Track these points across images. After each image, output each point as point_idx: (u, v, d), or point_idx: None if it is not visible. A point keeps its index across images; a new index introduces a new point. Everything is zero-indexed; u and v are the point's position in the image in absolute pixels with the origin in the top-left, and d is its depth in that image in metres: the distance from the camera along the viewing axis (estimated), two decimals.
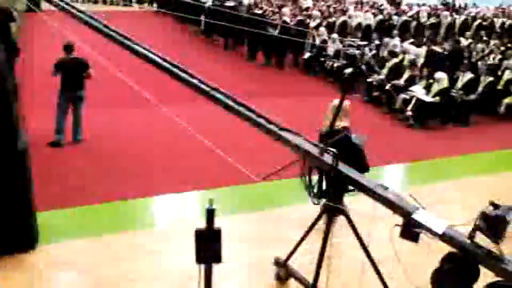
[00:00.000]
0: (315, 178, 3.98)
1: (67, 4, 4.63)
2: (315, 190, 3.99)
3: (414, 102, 9.31)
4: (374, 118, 9.93)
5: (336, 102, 5.43)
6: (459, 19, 16.91)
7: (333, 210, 3.87)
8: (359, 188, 3.67)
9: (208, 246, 2.93)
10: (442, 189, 7.14)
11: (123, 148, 7.58)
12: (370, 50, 10.77)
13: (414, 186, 7.71)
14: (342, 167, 3.73)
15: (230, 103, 4.25)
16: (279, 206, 6.17)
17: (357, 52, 3.79)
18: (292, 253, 4.32)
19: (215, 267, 3.02)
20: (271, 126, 4.10)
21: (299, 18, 13.89)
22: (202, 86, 4.28)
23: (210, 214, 2.92)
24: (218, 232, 2.93)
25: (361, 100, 10.65)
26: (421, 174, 8.11)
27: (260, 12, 14.08)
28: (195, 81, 4.27)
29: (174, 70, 4.28)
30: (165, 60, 4.31)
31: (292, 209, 5.93)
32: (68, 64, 7.38)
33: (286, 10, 14.16)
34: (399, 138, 9.03)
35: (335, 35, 12.50)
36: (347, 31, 13.60)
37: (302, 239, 4.20)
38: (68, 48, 7.34)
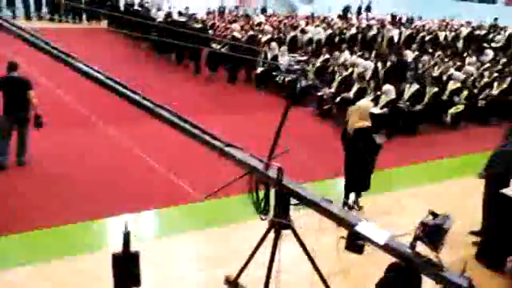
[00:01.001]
0: (262, 193, 3.99)
1: (5, 20, 4.48)
2: (262, 206, 3.98)
3: None
4: (324, 130, 10.06)
5: (365, 103, 6.84)
6: (405, 32, 17.52)
7: (279, 225, 3.86)
8: (304, 202, 3.69)
9: (126, 269, 2.85)
10: (391, 198, 7.31)
11: (68, 170, 7.31)
12: (314, 64, 10.96)
13: (364, 196, 7.88)
14: (287, 182, 3.74)
15: (175, 120, 4.21)
16: (228, 223, 6.13)
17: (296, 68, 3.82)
18: (242, 270, 4.28)
19: None
20: (217, 143, 4.08)
21: (250, 33, 14.01)
22: (146, 103, 4.22)
23: (126, 238, 2.84)
24: (136, 255, 2.86)
25: (312, 113, 10.80)
26: (372, 183, 8.28)
27: (200, 26, 14.08)
28: (138, 97, 4.20)
29: (117, 86, 4.19)
30: (108, 77, 4.22)
31: (241, 225, 5.90)
32: (9, 83, 7.05)
33: (235, 25, 14.24)
34: None
35: (284, 48, 12.66)
36: (298, 46, 13.82)
37: (252, 255, 4.18)
38: (11, 67, 7.06)
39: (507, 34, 18.70)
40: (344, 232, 3.46)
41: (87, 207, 6.21)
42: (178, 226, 5.96)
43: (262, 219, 4.00)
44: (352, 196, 6.89)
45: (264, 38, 13.72)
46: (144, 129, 7.13)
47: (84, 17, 20.86)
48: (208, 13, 18.78)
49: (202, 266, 5.24)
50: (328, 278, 4.12)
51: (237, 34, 13.24)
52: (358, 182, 6.71)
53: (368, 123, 6.47)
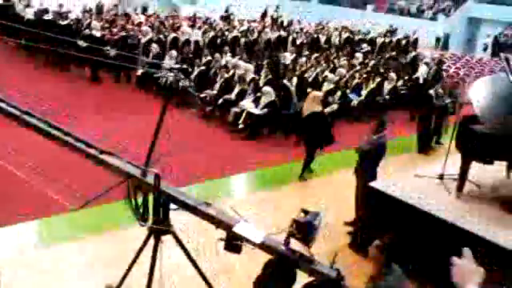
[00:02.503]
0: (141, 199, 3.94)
1: None
2: (141, 212, 3.93)
3: (244, 114, 9.77)
4: (208, 131, 10.16)
5: (315, 93, 8.81)
6: (284, 35, 18.22)
7: (159, 231, 3.85)
8: (182, 206, 3.72)
9: None
10: (277, 195, 7.61)
11: None
12: (199, 66, 11.00)
13: (250, 194, 8.11)
14: (165, 187, 3.74)
15: (45, 128, 4.00)
16: (111, 230, 5.96)
17: (168, 74, 3.82)
18: (124, 278, 4.20)
19: None
20: (91, 150, 3.96)
21: (123, 33, 13.60)
22: (11, 110, 3.96)
23: None
24: None
25: (196, 115, 10.83)
26: (256, 182, 8.54)
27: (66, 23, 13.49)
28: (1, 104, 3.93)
29: None
30: None
31: (125, 232, 5.76)
32: None
33: (95, 23, 13.74)
34: (233, 150, 9.38)
35: (174, 52, 12.53)
36: (179, 47, 13.73)
37: (133, 263, 4.11)
38: None
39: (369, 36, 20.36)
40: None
41: None
42: (59, 235, 5.68)
43: (141, 226, 3.96)
44: None
45: (144, 39, 13.43)
46: (14, 138, 6.61)
47: None
48: (84, 11, 17.90)
49: (85, 275, 5.04)
50: (212, 279, 4.20)
51: (96, 33, 12.82)
52: (310, 155, 8.32)
53: (320, 108, 8.26)
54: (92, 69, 12.68)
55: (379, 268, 5.40)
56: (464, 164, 5.59)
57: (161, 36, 14.08)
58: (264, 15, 25.98)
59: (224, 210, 3.82)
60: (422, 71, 14.79)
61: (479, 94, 5.58)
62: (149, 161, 3.78)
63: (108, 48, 11.97)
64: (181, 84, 3.73)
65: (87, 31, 13.01)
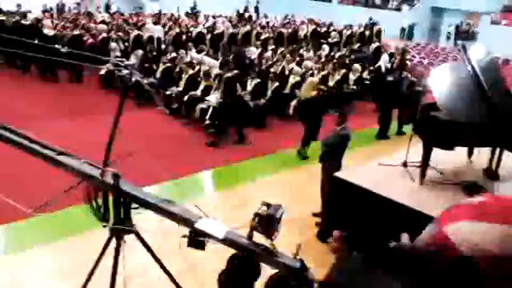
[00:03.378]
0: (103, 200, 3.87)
1: None
2: (102, 213, 3.86)
3: (211, 110, 9.71)
4: (175, 129, 10.08)
5: (311, 79, 9.90)
6: (252, 29, 18.17)
7: (121, 231, 3.79)
8: (144, 205, 3.67)
9: None
10: (247, 191, 7.62)
11: None
12: (164, 63, 10.88)
13: (219, 191, 8.08)
14: (125, 186, 3.68)
15: None
16: (74, 234, 5.84)
17: (125, 72, 3.75)
18: (87, 282, 4.12)
19: None
20: (47, 152, 3.86)
21: (76, 32, 13.29)
22: None
23: None
24: None
25: (163, 112, 10.71)
26: (224, 179, 8.51)
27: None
28: None
29: None
30: None
31: (88, 235, 5.66)
32: None
33: (47, 21, 13.45)
34: (201, 147, 9.32)
35: (140, 51, 12.35)
36: (143, 45, 13.54)
37: (95, 266, 4.03)
38: None
39: (344, 31, 20.46)
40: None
41: None
42: (19, 243, 5.53)
43: (104, 227, 3.90)
44: None
45: (99, 37, 13.13)
46: None
47: None
48: (44, 11, 17.48)
49: (48, 282, 4.94)
50: (178, 278, 4.16)
51: (47, 31, 12.51)
52: (309, 135, 9.00)
53: (315, 93, 9.05)
54: (46, 68, 12.39)
55: (341, 257, 5.45)
56: (426, 151, 5.68)
57: (120, 33, 13.83)
58: (245, 10, 26.00)
59: (188, 207, 3.79)
60: (383, 60, 14.95)
61: (438, 82, 5.67)
62: (107, 160, 3.71)
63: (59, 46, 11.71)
64: (134, 79, 3.65)
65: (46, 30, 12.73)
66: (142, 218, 4.13)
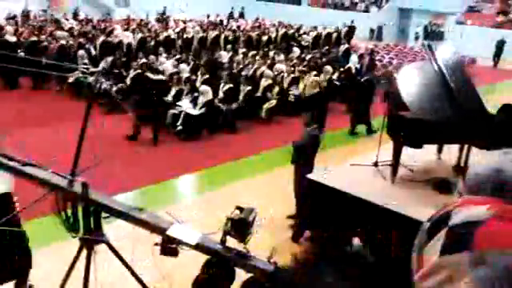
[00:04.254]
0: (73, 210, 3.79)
1: None
2: (71, 223, 3.78)
3: (182, 116, 9.64)
4: (146, 135, 9.98)
5: (313, 78, 11.27)
6: (223, 34, 18.17)
7: (91, 242, 3.72)
8: (114, 214, 3.62)
9: None
10: (227, 194, 7.56)
11: None
12: (135, 68, 10.75)
13: (193, 196, 8.03)
14: (94, 195, 3.62)
15: None
16: (41, 248, 5.70)
17: (91, 79, 3.70)
18: None
19: None
20: (12, 163, 3.77)
21: (34, 38, 13.03)
22: None
23: None
24: None
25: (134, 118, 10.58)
26: (198, 184, 8.47)
27: None
28: None
29: None
30: None
31: (58, 246, 5.53)
32: None
33: (8, 27, 13.21)
34: (172, 152, 9.24)
35: (109, 58, 12.18)
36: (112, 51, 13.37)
37: (67, 278, 3.95)
38: None
39: (314, 33, 20.69)
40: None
41: None
42: None
43: (73, 237, 3.82)
44: None
45: (57, 44, 12.85)
46: None
47: None
48: (8, 18, 17.07)
49: None
50: (152, 286, 4.10)
51: (9, 38, 12.30)
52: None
53: (317, 89, 10.39)
54: (9, 76, 12.13)
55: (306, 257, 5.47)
56: (396, 150, 5.75)
57: (81, 40, 13.58)
58: (230, 16, 26.09)
59: (161, 214, 3.74)
60: (353, 61, 15.04)
61: (406, 81, 5.76)
62: (75, 169, 3.65)
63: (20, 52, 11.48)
64: (101, 86, 3.60)
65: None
66: (113, 227, 4.07)
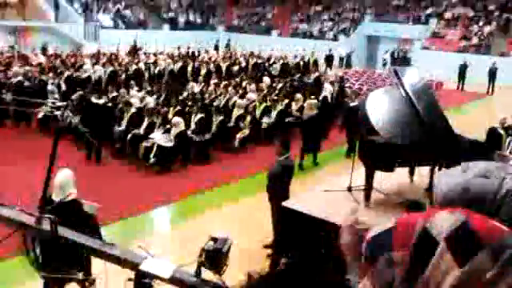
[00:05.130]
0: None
1: None
2: (40, 263, 3.67)
3: (155, 148, 9.58)
4: (118, 169, 9.86)
5: (310, 101, 11.45)
6: (190, 65, 18.29)
7: (61, 280, 3.61)
8: (84, 250, 3.52)
9: None
10: (198, 225, 7.47)
11: None
12: (105, 102, 10.69)
13: (167, 228, 7.90)
14: (64, 231, 3.52)
15: None
16: None
17: (58, 113, 3.64)
18: None
19: None
20: None
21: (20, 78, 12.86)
22: None
23: None
24: None
25: (105, 153, 10.46)
26: (169, 216, 8.36)
27: None
28: None
29: None
30: None
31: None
32: None
33: None
34: (147, 185, 9.13)
35: (79, 93, 12.06)
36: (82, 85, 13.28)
37: None
38: None
39: (282, 62, 21.03)
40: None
41: None
42: None
43: (41, 277, 3.70)
44: None
45: (15, 80, 12.70)
46: None
47: None
48: None
49: None
50: None
51: None
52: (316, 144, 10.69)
53: (315, 111, 10.69)
54: None
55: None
56: (368, 174, 5.81)
57: (51, 75, 13.47)
58: (216, 49, 26.38)
59: (133, 248, 3.66)
60: (328, 90, 15.20)
61: (375, 106, 5.87)
62: (43, 206, 3.54)
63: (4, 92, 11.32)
64: (69, 121, 3.55)
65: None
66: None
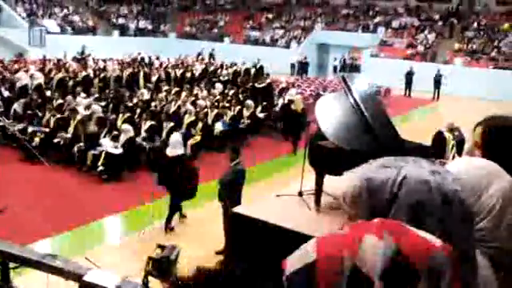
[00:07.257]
0: None
1: None
2: None
3: (103, 156, 9.33)
4: (67, 178, 9.52)
5: (298, 97, 14.14)
6: (139, 71, 18.01)
7: None
8: (24, 263, 3.36)
9: None
10: (144, 235, 7.30)
11: None
12: (50, 109, 10.33)
13: (112, 240, 7.70)
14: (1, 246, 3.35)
15: None
16: None
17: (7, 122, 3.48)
18: None
19: None
20: None
21: None
22: None
23: None
24: None
25: (49, 164, 10.02)
26: (119, 226, 8.15)
27: None
28: None
29: None
30: None
31: None
32: None
33: None
34: (95, 195, 8.86)
35: (22, 100, 11.61)
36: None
37: None
38: None
39: (233, 69, 21.02)
40: None
41: None
42: None
43: None
44: None
45: None
46: None
47: None
48: None
49: None
50: None
51: None
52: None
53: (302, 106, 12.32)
54: None
55: None
56: (317, 179, 5.85)
57: None
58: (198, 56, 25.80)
59: (79, 260, 3.53)
60: (290, 95, 15.08)
61: (323, 112, 5.92)
62: None
63: None
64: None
65: None
66: (26, 277, 3.79)
